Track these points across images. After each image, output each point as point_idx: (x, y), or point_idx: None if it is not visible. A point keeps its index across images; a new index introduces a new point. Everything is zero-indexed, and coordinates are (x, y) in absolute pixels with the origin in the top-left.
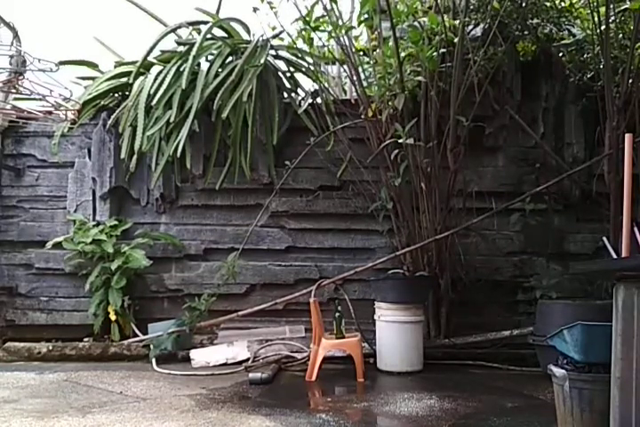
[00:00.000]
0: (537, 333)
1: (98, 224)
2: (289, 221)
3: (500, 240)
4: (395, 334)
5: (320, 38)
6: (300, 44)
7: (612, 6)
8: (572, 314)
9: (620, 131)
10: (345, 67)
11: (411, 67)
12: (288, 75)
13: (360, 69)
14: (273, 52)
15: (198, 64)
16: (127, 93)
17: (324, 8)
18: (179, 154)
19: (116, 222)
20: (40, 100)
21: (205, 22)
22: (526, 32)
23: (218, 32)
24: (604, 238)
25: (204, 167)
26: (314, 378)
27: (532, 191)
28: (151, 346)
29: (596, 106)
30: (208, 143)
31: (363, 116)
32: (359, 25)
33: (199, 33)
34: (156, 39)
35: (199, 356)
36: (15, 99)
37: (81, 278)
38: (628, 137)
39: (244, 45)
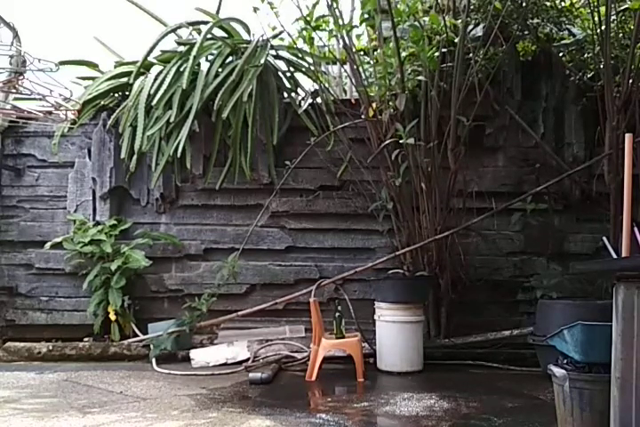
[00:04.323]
0: (537, 333)
1: (97, 224)
2: (289, 221)
3: (500, 240)
4: (395, 334)
5: (321, 38)
6: (301, 43)
7: (612, 6)
8: (572, 314)
9: (619, 131)
10: (346, 66)
11: (411, 66)
12: (288, 75)
13: (361, 69)
14: (273, 52)
15: (198, 64)
16: (127, 93)
17: (328, 6)
18: (179, 154)
19: (115, 222)
20: (40, 100)
21: (205, 22)
22: (526, 32)
23: (218, 32)
24: (604, 238)
25: (204, 167)
26: (314, 378)
27: (532, 191)
28: (151, 346)
29: (596, 106)
30: (208, 143)
31: (363, 116)
32: (361, 24)
33: (199, 33)
34: (156, 39)
35: (199, 356)
36: (15, 99)
37: (81, 278)
38: (628, 137)
39: (245, 45)
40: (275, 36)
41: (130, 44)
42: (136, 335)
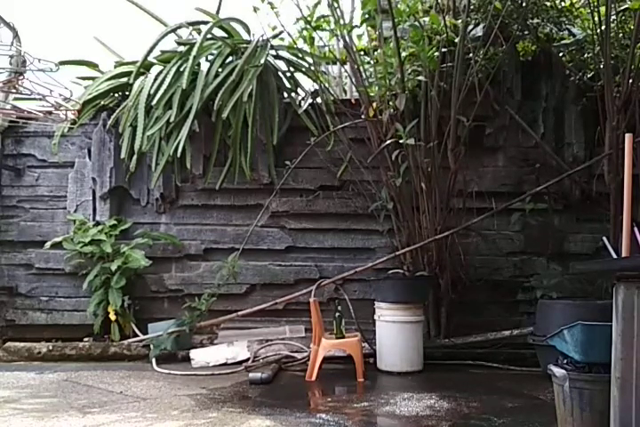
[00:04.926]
0: (537, 333)
1: (97, 224)
2: (289, 221)
3: (500, 240)
4: (395, 334)
5: (321, 38)
6: (301, 43)
7: (612, 6)
8: (572, 314)
9: (619, 131)
10: (346, 66)
11: (411, 66)
12: (288, 75)
13: (361, 69)
14: (273, 52)
15: (198, 64)
16: (127, 93)
17: (328, 5)
18: (179, 154)
19: (115, 222)
20: (40, 100)
21: (205, 22)
22: (526, 32)
23: (218, 32)
24: (604, 238)
25: (204, 167)
26: (314, 378)
27: (532, 191)
28: (151, 346)
29: (596, 106)
30: (208, 143)
31: (363, 116)
32: (361, 24)
33: (199, 33)
34: (156, 39)
35: (199, 356)
36: (15, 99)
37: (81, 278)
38: (628, 137)
39: (245, 45)
40: (275, 36)
41: (130, 44)
42: (136, 335)
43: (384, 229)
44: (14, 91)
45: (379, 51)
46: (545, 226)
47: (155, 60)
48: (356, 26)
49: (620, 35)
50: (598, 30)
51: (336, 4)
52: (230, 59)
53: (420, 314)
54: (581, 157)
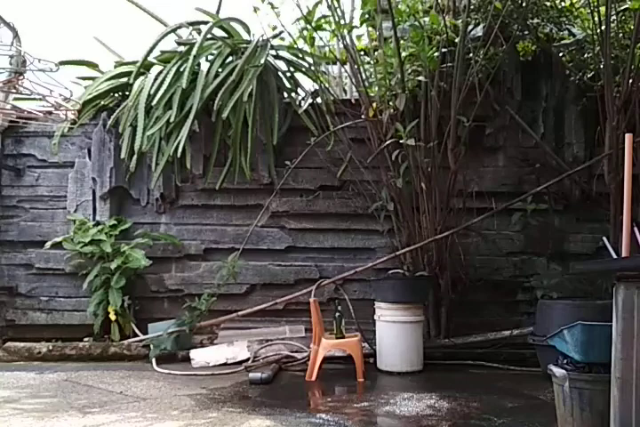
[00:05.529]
0: (537, 333)
1: (97, 224)
2: (289, 221)
3: (500, 240)
4: (395, 334)
5: (321, 38)
6: (301, 43)
7: (612, 6)
8: (572, 314)
9: (619, 131)
10: (346, 66)
11: (411, 66)
12: (288, 75)
13: (361, 69)
14: (273, 52)
15: (198, 64)
16: (127, 93)
17: (328, 6)
18: (179, 154)
19: (115, 222)
20: (40, 100)
21: (205, 22)
22: (526, 32)
23: (218, 32)
24: (604, 238)
25: (204, 167)
26: (314, 378)
27: (533, 191)
28: (151, 346)
29: (596, 106)
30: (208, 143)
31: (363, 116)
32: (361, 24)
33: (199, 33)
34: (156, 39)
35: (199, 356)
36: (15, 99)
37: (81, 278)
38: (628, 137)
39: (245, 45)
40: (275, 36)
41: (130, 44)
42: (136, 335)
43: (384, 229)
44: (14, 91)
45: (379, 51)
46: (545, 226)
47: (155, 60)
48: (356, 26)
49: (620, 35)
50: (598, 30)
51: (336, 4)
52: (230, 59)
53: (420, 314)
54: (581, 157)
